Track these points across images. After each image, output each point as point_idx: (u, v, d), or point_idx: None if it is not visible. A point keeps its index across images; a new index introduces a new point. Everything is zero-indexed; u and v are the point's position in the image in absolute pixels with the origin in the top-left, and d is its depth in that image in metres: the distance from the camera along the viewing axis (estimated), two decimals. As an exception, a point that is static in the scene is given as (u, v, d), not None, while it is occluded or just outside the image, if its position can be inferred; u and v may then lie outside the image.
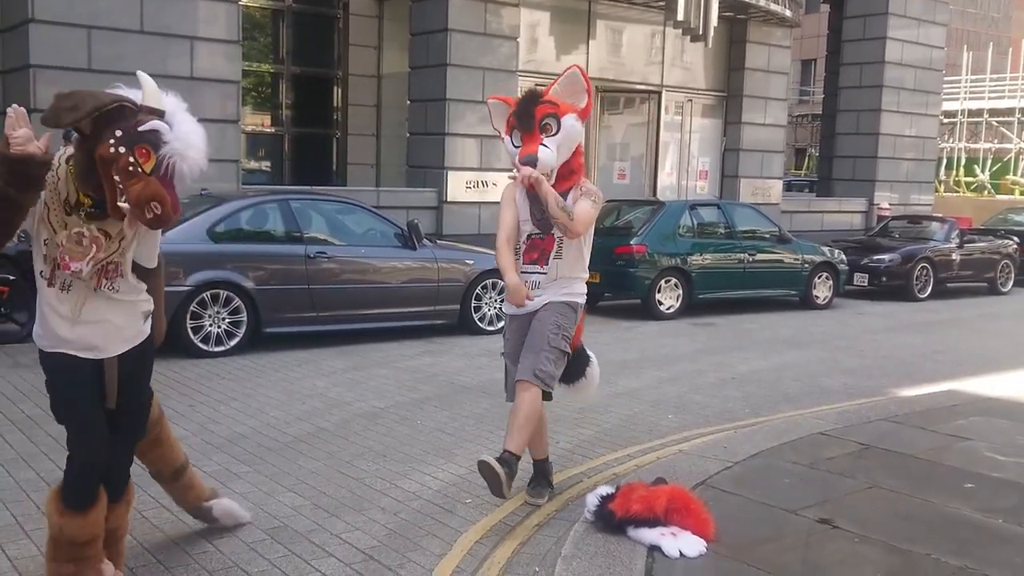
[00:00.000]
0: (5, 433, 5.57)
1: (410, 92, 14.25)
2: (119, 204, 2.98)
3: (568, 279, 4.50)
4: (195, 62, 11.01)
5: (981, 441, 5.55)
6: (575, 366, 4.75)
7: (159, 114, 3.04)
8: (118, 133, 2.95)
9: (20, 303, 8.40)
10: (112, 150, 2.94)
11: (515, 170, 4.42)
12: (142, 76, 3.12)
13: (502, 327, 5.50)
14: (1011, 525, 4.15)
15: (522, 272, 4.51)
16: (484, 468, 4.18)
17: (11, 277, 8.37)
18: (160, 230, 3.31)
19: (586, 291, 4.64)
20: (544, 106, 4.37)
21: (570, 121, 4.36)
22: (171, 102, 3.12)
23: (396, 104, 15.39)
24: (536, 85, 14.82)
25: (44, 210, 3.12)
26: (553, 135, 4.35)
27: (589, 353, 4.84)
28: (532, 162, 4.32)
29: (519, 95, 4.60)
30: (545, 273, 4.47)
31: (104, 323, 3.27)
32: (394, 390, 7.08)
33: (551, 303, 4.46)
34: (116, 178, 2.96)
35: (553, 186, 4.36)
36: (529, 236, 4.51)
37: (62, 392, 3.31)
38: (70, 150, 3.15)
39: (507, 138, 4.51)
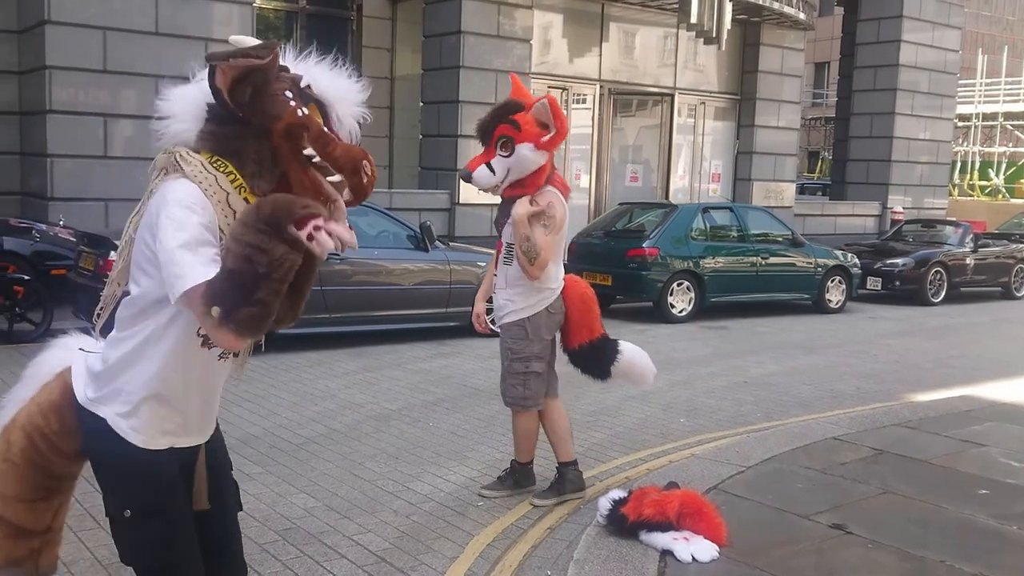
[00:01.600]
0: (20, 432, 5.59)
1: (423, 94, 14.28)
2: (326, 180, 2.08)
3: (521, 287, 4.43)
4: (210, 64, 11.06)
5: (996, 447, 5.52)
6: (600, 360, 4.62)
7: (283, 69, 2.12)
8: (288, 93, 2.06)
9: (35, 303, 8.45)
10: (299, 113, 2.05)
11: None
12: (235, 39, 2.10)
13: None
14: (1026, 532, 4.13)
15: (495, 275, 4.65)
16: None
17: (26, 277, 8.42)
18: None
19: (544, 299, 4.48)
20: (505, 126, 4.25)
21: (524, 150, 4.22)
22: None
23: (409, 106, 15.42)
24: (548, 88, 14.77)
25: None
26: (507, 156, 4.26)
27: (620, 348, 4.64)
28: (466, 177, 4.38)
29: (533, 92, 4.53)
30: (499, 277, 4.56)
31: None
32: (406, 392, 7.09)
33: (503, 326, 4.59)
34: (309, 151, 2.06)
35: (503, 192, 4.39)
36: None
37: (180, 514, 2.26)
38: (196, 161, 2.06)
39: None
